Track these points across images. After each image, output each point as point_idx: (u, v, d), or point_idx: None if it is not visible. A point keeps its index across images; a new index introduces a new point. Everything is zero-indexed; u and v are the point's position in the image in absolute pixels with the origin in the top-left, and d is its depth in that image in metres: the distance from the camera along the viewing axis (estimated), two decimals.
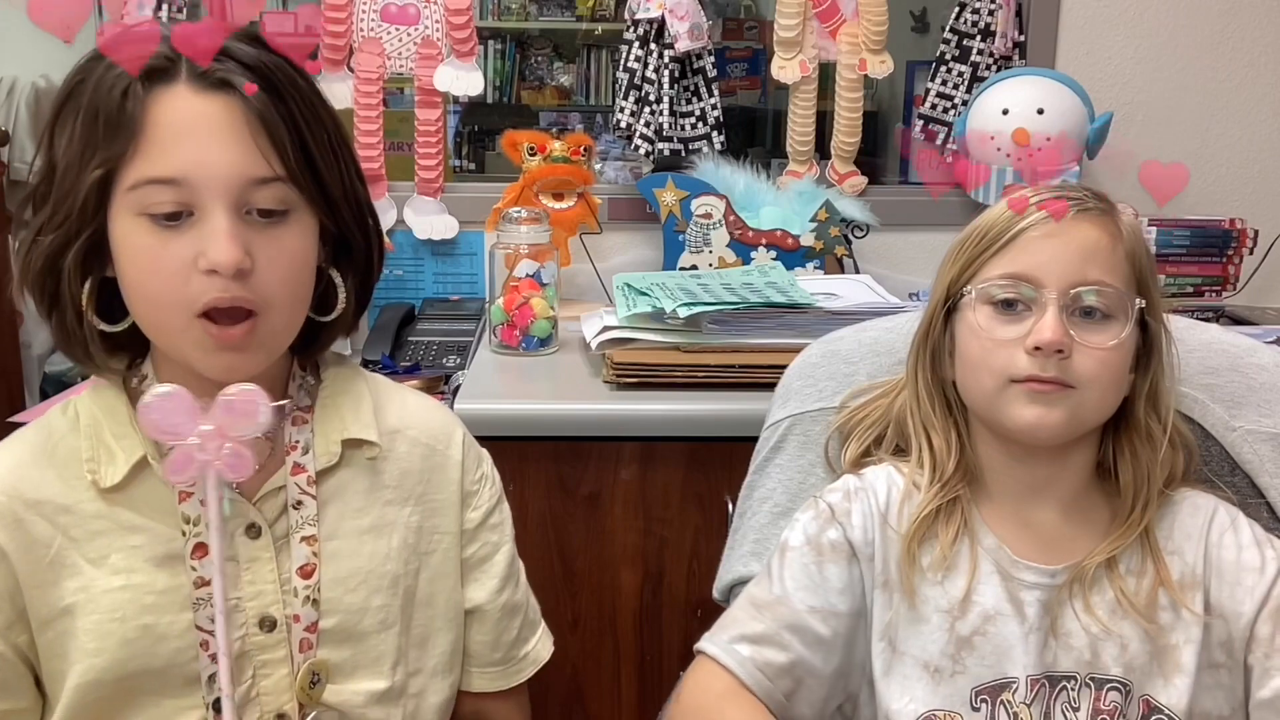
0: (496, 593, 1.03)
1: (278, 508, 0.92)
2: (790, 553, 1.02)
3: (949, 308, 1.02)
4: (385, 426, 0.97)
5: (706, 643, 1.02)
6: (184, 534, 0.89)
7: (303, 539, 0.92)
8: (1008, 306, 0.96)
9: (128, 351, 0.92)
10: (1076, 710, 0.97)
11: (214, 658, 0.88)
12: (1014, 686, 0.97)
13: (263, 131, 0.84)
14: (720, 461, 1.54)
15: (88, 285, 0.87)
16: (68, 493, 0.89)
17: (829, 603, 1.00)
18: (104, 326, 0.89)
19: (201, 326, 0.84)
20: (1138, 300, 0.96)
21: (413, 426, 1.00)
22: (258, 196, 0.85)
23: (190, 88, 0.83)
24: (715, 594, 1.18)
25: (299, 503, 0.92)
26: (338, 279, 0.94)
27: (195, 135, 0.83)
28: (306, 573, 0.91)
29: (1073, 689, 0.97)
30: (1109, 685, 0.97)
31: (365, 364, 1.80)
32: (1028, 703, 0.97)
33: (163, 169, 0.82)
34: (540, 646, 1.09)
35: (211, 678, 0.89)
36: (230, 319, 0.85)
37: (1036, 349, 0.93)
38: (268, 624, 0.90)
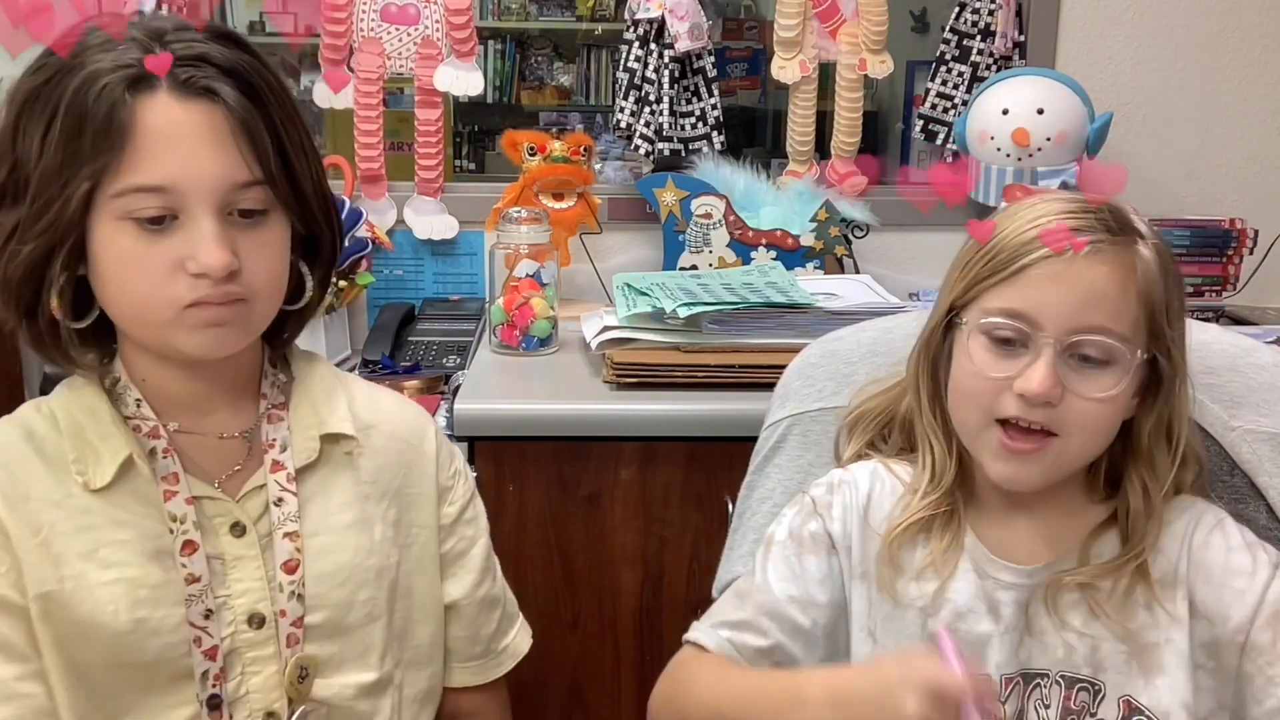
0: (475, 586, 1.04)
1: (260, 506, 0.93)
2: (774, 547, 1.04)
3: (949, 322, 1.00)
4: (360, 422, 0.99)
5: (691, 630, 1.03)
6: (171, 531, 0.89)
7: (285, 535, 0.92)
8: (1005, 342, 0.93)
9: (95, 345, 0.93)
10: (1048, 707, 0.97)
11: (207, 654, 0.89)
12: None
13: (245, 137, 0.85)
14: (720, 461, 1.54)
15: (58, 286, 0.87)
16: (58, 487, 0.89)
17: (807, 593, 1.01)
18: (75, 325, 0.90)
19: (191, 312, 0.86)
20: (1139, 353, 0.92)
21: (387, 421, 1.01)
22: (240, 199, 0.86)
23: (172, 96, 0.84)
24: (715, 594, 1.18)
25: (280, 500, 0.93)
26: (306, 273, 0.96)
27: (180, 143, 0.83)
28: (290, 568, 0.92)
29: (1045, 686, 0.98)
30: (1079, 685, 0.97)
31: (365, 364, 1.80)
32: (1003, 700, 0.97)
33: (149, 177, 0.83)
34: (519, 638, 1.10)
35: (205, 674, 0.89)
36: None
37: (1023, 395, 0.91)
38: (256, 621, 0.91)
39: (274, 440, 0.94)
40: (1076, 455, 0.95)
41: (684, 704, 1.00)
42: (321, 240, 0.96)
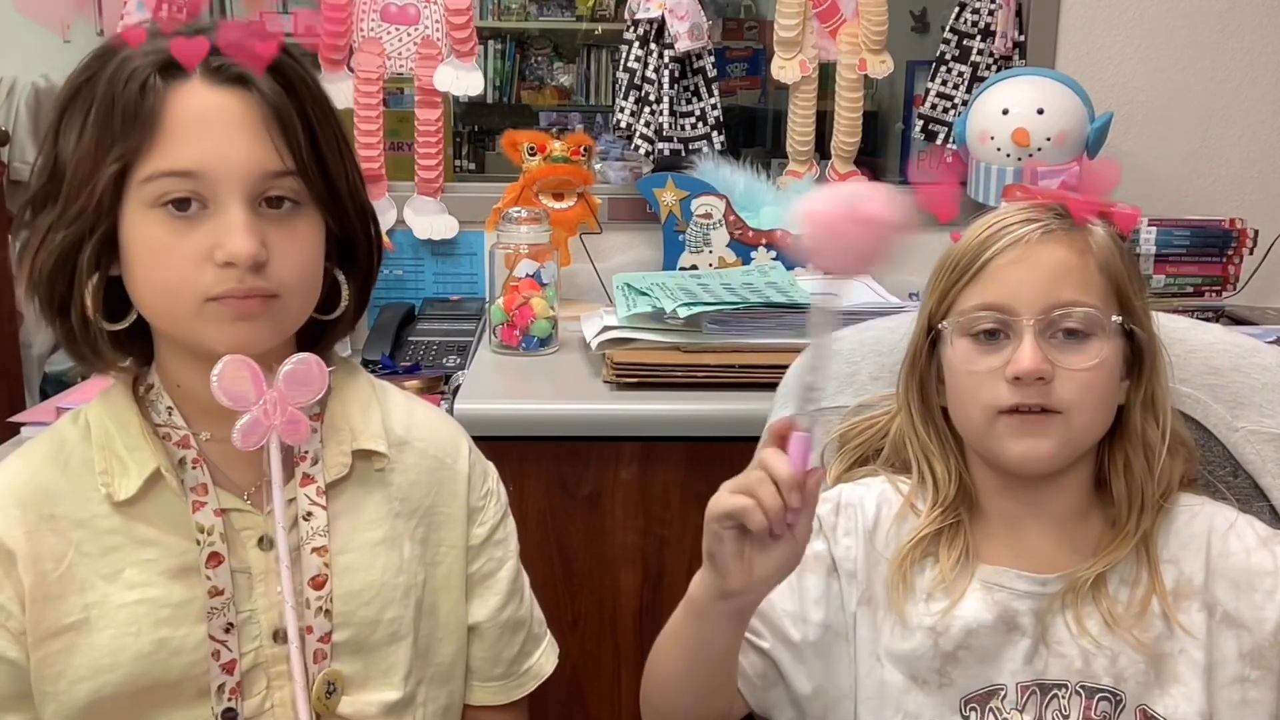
0: (499, 609, 1.02)
1: (289, 520, 0.91)
2: None
3: (933, 338, 1.02)
4: (393, 437, 0.97)
5: None
6: (198, 543, 0.88)
7: (313, 550, 0.91)
8: (987, 336, 0.96)
9: (131, 350, 0.91)
10: (1067, 717, 0.97)
11: (225, 668, 0.88)
12: (1002, 693, 0.98)
13: (277, 125, 0.85)
14: (720, 461, 1.52)
15: (92, 283, 0.86)
16: (82, 506, 0.88)
17: (802, 609, 1.01)
18: (109, 326, 0.88)
19: (214, 306, 0.84)
20: (1114, 317, 0.95)
21: (420, 439, 0.99)
22: (271, 188, 0.85)
23: (205, 82, 0.84)
24: None
25: (309, 514, 0.91)
26: (341, 279, 0.94)
27: (211, 129, 0.83)
28: (318, 584, 0.91)
29: (1064, 697, 0.97)
30: (1100, 695, 0.97)
31: (365, 364, 1.80)
32: (1019, 709, 0.97)
33: (179, 162, 0.82)
34: (544, 660, 1.08)
35: (221, 688, 0.88)
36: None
37: (1017, 379, 0.93)
38: (281, 636, 0.90)
39: (305, 453, 0.92)
40: (1084, 429, 0.96)
41: (647, 686, 1.01)
42: (358, 246, 0.94)
